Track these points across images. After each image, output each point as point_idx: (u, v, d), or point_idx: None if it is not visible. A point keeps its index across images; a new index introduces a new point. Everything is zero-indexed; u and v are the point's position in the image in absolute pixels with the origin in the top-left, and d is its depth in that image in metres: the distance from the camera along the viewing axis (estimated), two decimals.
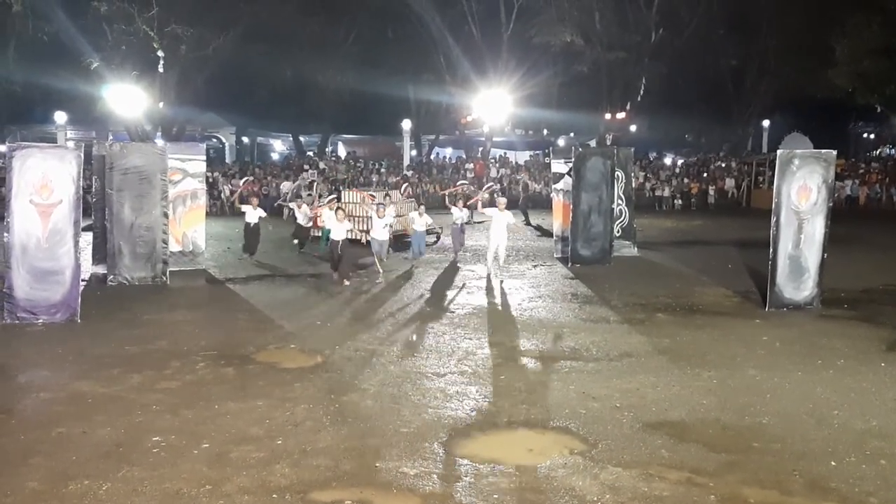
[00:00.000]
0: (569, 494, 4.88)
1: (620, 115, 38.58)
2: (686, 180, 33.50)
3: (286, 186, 27.65)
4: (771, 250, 10.44)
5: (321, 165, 34.03)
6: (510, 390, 6.97)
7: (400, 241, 15.86)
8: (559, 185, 16.72)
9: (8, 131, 33.57)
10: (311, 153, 40.43)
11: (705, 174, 34.88)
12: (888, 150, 46.45)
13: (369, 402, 6.60)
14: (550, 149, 24.91)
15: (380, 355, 8.14)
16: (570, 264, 14.37)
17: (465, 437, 5.83)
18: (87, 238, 12.24)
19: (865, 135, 51.75)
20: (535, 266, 14.59)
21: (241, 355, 8.07)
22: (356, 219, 16.22)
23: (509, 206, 14.53)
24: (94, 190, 14.23)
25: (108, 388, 6.91)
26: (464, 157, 39.69)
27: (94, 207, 13.87)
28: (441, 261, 15.12)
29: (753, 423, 6.19)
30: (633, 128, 40.54)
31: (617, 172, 15.32)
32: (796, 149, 12.95)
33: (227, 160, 39.44)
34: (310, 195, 23.24)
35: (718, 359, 8.05)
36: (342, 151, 43.33)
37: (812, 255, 10.50)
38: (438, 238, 17.60)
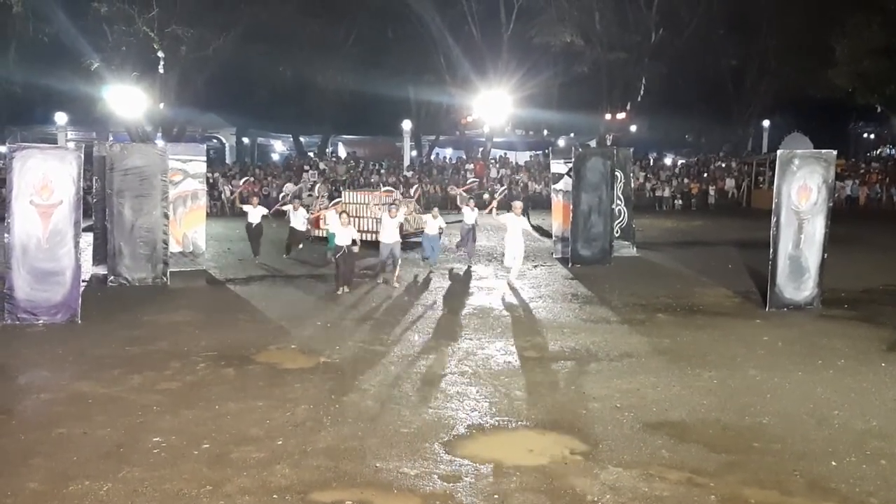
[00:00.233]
0: (569, 494, 4.88)
1: (621, 116, 38.58)
2: (686, 180, 33.51)
3: (289, 188, 27.68)
4: (771, 250, 10.44)
5: (321, 166, 34.05)
6: (510, 390, 6.97)
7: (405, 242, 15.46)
8: (558, 186, 16.70)
9: (8, 132, 33.61)
10: (311, 154, 40.46)
11: (705, 174, 34.89)
12: (888, 150, 46.46)
13: (370, 403, 6.60)
14: (549, 149, 24.76)
15: (380, 355, 8.14)
16: (570, 265, 14.37)
17: (466, 438, 5.84)
18: (87, 239, 12.24)
19: (865, 135, 51.77)
20: (535, 266, 14.58)
21: (241, 356, 8.07)
22: (362, 219, 15.99)
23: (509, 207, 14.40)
24: (94, 191, 14.25)
25: (108, 389, 6.92)
26: (464, 157, 39.70)
27: (94, 208, 13.89)
28: (445, 262, 15.06)
29: (754, 423, 6.19)
30: (633, 128, 40.53)
31: (615, 172, 15.32)
32: (796, 149, 12.97)
33: (228, 161, 39.46)
34: (310, 195, 23.21)
35: (719, 359, 8.05)
36: (342, 152, 43.35)
37: (812, 256, 10.50)
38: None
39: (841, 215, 16.18)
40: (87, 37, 28.66)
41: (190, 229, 13.97)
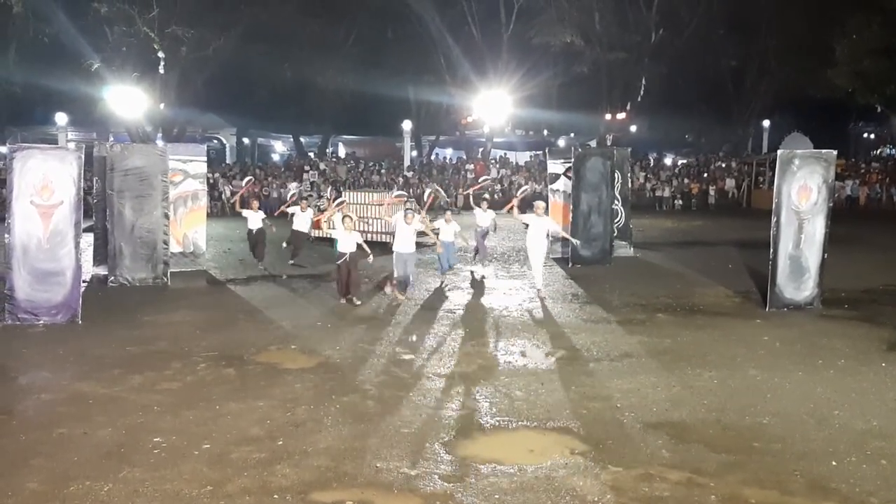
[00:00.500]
0: (569, 495, 4.88)
1: (620, 116, 38.62)
2: (686, 181, 33.52)
3: (293, 187, 27.74)
4: (771, 250, 10.44)
5: (322, 166, 34.06)
6: (511, 390, 6.97)
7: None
8: (556, 186, 16.68)
9: (9, 132, 33.62)
10: (311, 154, 40.47)
11: (705, 174, 34.89)
12: (888, 150, 46.48)
13: (370, 403, 6.61)
14: (547, 149, 24.65)
15: (380, 356, 8.14)
16: (570, 265, 14.37)
17: (466, 438, 5.83)
18: (87, 239, 12.22)
19: (865, 135, 51.81)
20: None
21: (241, 356, 8.07)
22: (365, 221, 15.67)
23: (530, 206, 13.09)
24: (94, 191, 14.22)
25: (109, 389, 6.92)
26: (464, 157, 39.72)
27: (94, 208, 13.87)
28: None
29: (754, 423, 6.18)
30: (633, 128, 40.56)
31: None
32: (796, 149, 12.96)
33: (228, 161, 39.48)
34: (310, 195, 23.13)
35: (719, 359, 8.04)
36: (342, 152, 43.37)
37: (812, 256, 10.50)
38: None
39: (841, 215, 16.17)
40: (88, 37, 28.68)
41: (190, 230, 13.98)
